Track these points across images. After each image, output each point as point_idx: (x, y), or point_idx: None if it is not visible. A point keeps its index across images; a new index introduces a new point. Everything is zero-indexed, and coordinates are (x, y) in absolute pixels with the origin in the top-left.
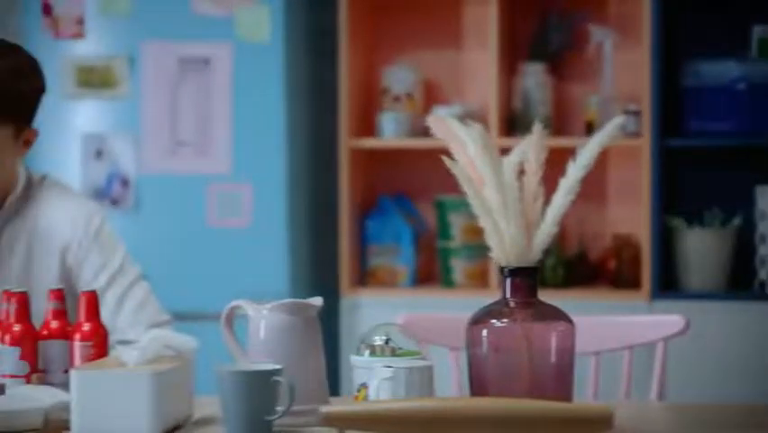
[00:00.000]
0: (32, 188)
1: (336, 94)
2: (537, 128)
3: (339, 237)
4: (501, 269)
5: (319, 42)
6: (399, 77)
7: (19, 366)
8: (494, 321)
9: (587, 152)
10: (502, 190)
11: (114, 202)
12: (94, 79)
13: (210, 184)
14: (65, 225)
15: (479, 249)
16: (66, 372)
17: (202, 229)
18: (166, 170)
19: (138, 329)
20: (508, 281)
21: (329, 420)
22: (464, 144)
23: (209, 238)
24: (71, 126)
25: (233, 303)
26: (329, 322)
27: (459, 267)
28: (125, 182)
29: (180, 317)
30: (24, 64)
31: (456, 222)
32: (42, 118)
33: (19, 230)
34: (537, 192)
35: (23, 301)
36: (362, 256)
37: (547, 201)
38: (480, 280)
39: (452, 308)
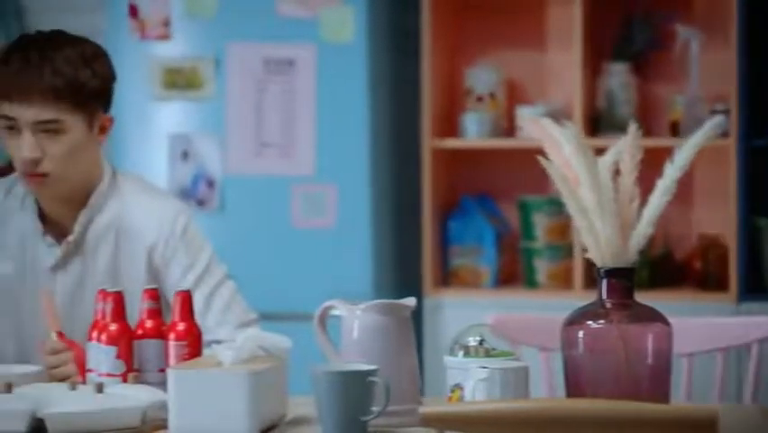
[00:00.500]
0: (117, 183)
1: (419, 94)
2: (632, 128)
3: (422, 238)
4: (597, 270)
5: (402, 43)
6: (482, 77)
7: (115, 365)
8: (590, 322)
9: (684, 152)
10: (597, 190)
11: (200, 203)
12: (180, 81)
13: (294, 185)
14: (151, 225)
15: (562, 249)
16: (161, 371)
17: (287, 230)
18: (251, 171)
19: (226, 328)
20: (604, 282)
21: (429, 421)
22: (559, 144)
23: (294, 239)
24: (157, 127)
25: (326, 303)
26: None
27: (542, 268)
28: (211, 183)
29: (264, 318)
30: (88, 52)
31: (540, 222)
32: (129, 119)
33: (105, 228)
34: (633, 193)
35: (119, 300)
36: (445, 257)
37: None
38: (563, 280)
39: (535, 309)
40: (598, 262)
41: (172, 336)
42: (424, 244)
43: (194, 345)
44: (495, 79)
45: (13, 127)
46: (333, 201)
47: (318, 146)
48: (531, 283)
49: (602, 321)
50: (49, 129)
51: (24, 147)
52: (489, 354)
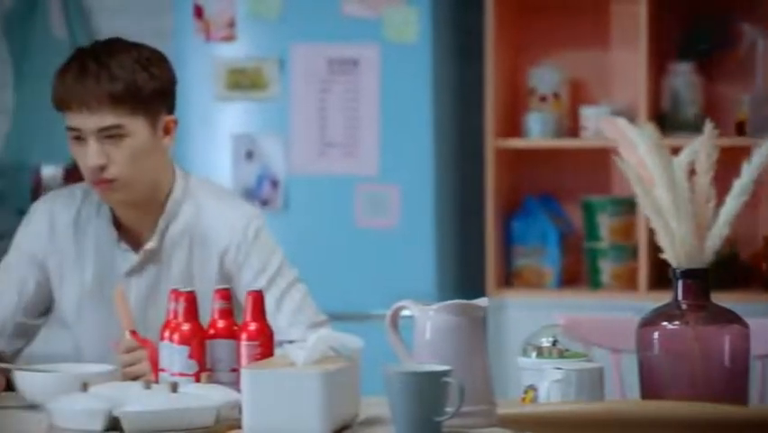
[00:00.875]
0: (190, 188)
1: (482, 94)
2: (708, 127)
3: (484, 238)
4: (672, 270)
5: (465, 42)
6: (545, 77)
7: (188, 365)
8: (665, 324)
9: (763, 151)
10: (673, 190)
11: (264, 203)
12: (244, 81)
13: (358, 185)
14: (225, 230)
15: (627, 250)
16: (233, 371)
17: (350, 230)
18: (314, 171)
19: (298, 329)
20: (680, 283)
21: (506, 422)
22: (634, 144)
23: (357, 239)
24: (222, 128)
25: (398, 304)
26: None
27: (606, 268)
28: (275, 183)
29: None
30: (144, 56)
31: (604, 222)
32: (193, 120)
33: (179, 234)
34: (709, 193)
35: (191, 300)
36: (508, 257)
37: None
38: (627, 281)
39: (599, 310)
40: (674, 263)
41: (244, 336)
42: (487, 245)
43: (266, 345)
44: (558, 79)
45: (79, 137)
46: (397, 201)
47: (382, 146)
48: (595, 284)
49: (677, 322)
50: (112, 135)
51: (90, 155)
52: (562, 355)
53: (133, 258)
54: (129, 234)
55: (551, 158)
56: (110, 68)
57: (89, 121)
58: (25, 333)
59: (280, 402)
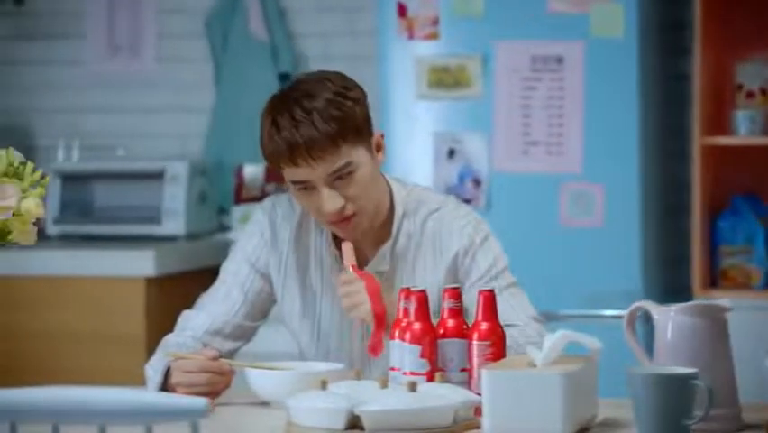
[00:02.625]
0: (410, 200)
1: (688, 90)
2: None
3: (690, 237)
4: None
5: (670, 37)
6: (753, 72)
7: (420, 364)
8: None
9: None
10: None
11: (467, 201)
12: (447, 79)
13: (562, 183)
14: (452, 237)
15: None
16: (462, 370)
17: (554, 228)
18: (518, 169)
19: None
20: None
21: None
22: None
23: (562, 238)
24: (423, 126)
25: (636, 304)
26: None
27: None
28: (477, 181)
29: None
30: (338, 84)
31: None
32: (395, 118)
33: (404, 248)
34: None
35: (423, 300)
36: (713, 257)
37: None
38: None
39: None
40: None
41: (476, 335)
42: (693, 244)
43: (498, 345)
44: (767, 75)
45: (306, 187)
46: (601, 200)
47: (586, 143)
48: None
49: None
50: (341, 174)
51: (326, 202)
52: None
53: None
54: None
55: (758, 156)
56: (318, 110)
57: (318, 170)
58: (242, 335)
59: (521, 403)
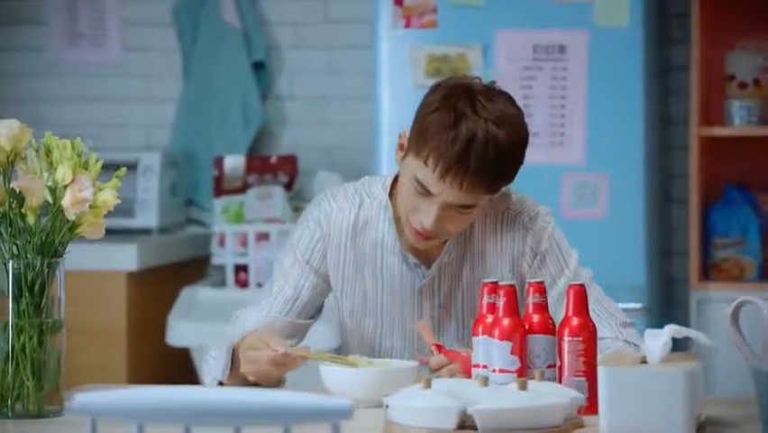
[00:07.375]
0: None
1: (684, 80)
2: None
3: (679, 229)
4: None
5: (666, 27)
6: (744, 62)
7: (510, 361)
8: None
9: None
10: None
11: None
12: (445, 68)
13: (565, 174)
14: (517, 234)
15: None
16: (550, 367)
17: (557, 220)
18: None
19: (609, 324)
20: None
21: None
22: None
23: (564, 229)
24: None
25: (741, 298)
26: (677, 316)
27: None
28: None
29: None
30: (521, 135)
31: None
32: (391, 108)
33: (469, 244)
34: None
35: (512, 294)
36: (706, 248)
37: None
38: None
39: None
40: None
41: (566, 331)
42: (690, 236)
43: (589, 340)
44: (759, 65)
45: (424, 193)
46: (605, 191)
47: (589, 134)
48: None
49: None
50: (460, 210)
51: (429, 218)
52: None
53: (425, 272)
54: (414, 250)
55: (751, 147)
56: (502, 157)
57: (450, 198)
58: (293, 333)
59: (641, 401)
